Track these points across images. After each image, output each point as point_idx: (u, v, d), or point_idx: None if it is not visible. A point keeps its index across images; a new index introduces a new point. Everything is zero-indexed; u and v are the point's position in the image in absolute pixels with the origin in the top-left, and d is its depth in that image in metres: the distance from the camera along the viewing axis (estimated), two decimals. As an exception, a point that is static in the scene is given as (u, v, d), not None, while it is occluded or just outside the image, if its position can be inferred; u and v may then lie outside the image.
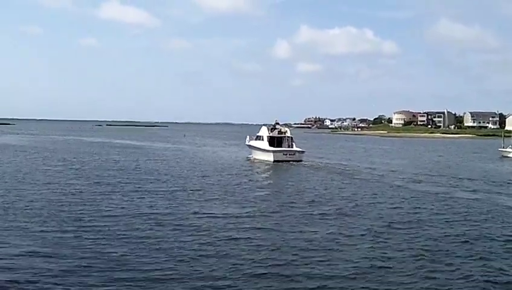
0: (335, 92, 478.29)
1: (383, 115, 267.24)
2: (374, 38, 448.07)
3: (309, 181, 35.98)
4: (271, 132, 52.90)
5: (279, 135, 52.69)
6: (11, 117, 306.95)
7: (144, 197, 26.41)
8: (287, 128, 55.50)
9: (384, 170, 45.09)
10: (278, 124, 55.38)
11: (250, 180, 36.44)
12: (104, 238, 17.24)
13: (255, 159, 53.63)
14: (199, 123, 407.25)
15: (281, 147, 51.67)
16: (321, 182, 35.59)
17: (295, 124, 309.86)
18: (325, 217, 22.15)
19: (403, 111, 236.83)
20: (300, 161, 50.11)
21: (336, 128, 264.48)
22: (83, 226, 18.96)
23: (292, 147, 52.26)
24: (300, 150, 52.49)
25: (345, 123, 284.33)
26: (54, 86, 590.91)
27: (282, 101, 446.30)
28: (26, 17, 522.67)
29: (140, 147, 76.68)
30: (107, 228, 18.74)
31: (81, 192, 27.79)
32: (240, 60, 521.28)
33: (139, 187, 30.31)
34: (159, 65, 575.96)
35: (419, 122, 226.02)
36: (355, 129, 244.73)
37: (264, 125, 56.22)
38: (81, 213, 21.56)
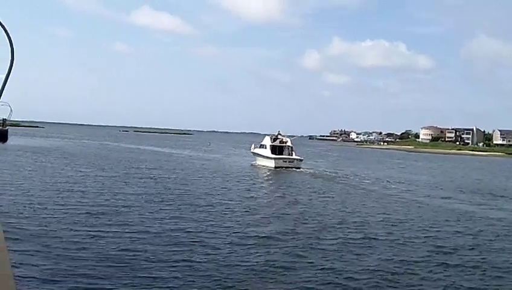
0: (363, 105, 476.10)
1: (410, 130, 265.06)
2: (406, 52, 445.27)
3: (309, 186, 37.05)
4: (273, 141, 59.10)
5: (281, 144, 58.79)
6: (40, 120, 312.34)
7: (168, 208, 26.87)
8: (288, 139, 60.43)
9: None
10: (280, 134, 60.50)
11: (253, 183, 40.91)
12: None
13: (258, 164, 59.91)
14: (225, 132, 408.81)
15: (282, 154, 57.54)
16: (319, 187, 36.36)
17: (321, 136, 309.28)
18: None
19: (431, 127, 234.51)
20: (299, 168, 56.02)
21: (361, 141, 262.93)
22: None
23: (292, 155, 58.15)
24: (299, 158, 58.26)
25: (371, 137, 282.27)
26: (83, 90, 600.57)
27: (309, 112, 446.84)
28: (58, 20, 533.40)
29: (169, 155, 77.47)
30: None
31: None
32: (269, 70, 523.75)
33: (175, 199, 30.77)
34: (188, 72, 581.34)
35: (447, 139, 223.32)
36: (382, 143, 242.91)
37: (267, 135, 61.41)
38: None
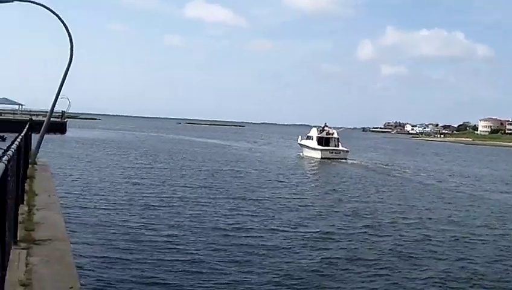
0: (418, 96, 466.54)
1: (467, 122, 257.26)
2: (464, 42, 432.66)
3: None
4: (320, 132, 59.53)
5: (327, 136, 59.15)
6: (97, 113, 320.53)
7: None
8: (334, 130, 60.79)
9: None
10: (326, 126, 60.81)
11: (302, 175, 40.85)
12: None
13: (305, 156, 60.59)
14: (276, 124, 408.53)
15: (328, 146, 57.94)
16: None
17: (374, 128, 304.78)
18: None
19: (490, 118, 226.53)
20: (345, 159, 56.46)
21: (417, 134, 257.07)
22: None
23: (338, 147, 58.57)
24: (345, 149, 58.68)
25: (426, 129, 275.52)
26: (137, 83, 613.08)
27: (362, 104, 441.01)
28: (113, 15, 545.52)
29: (222, 147, 77.80)
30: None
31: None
32: (321, 62, 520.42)
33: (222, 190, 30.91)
34: (239, 65, 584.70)
35: (507, 131, 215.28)
36: (438, 136, 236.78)
37: (322, 127, 61.04)
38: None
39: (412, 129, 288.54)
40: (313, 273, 14.44)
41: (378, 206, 27.11)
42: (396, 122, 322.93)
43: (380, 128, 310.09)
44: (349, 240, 18.58)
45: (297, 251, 16.80)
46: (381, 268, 15.23)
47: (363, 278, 14.28)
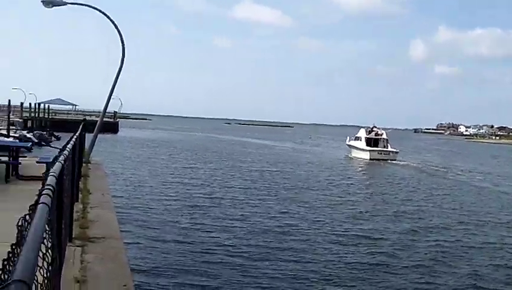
0: (472, 96, 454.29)
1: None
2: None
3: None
4: (368, 133, 59.27)
5: (376, 137, 58.74)
6: (147, 113, 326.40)
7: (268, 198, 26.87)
8: (383, 131, 60.22)
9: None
10: (375, 127, 60.59)
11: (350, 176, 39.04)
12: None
13: (353, 156, 60.16)
14: (325, 124, 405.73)
15: (377, 147, 57.67)
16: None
17: (426, 129, 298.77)
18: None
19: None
20: (394, 160, 55.94)
21: (471, 135, 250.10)
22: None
23: (387, 148, 58.06)
24: (394, 150, 58.18)
25: (481, 130, 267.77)
26: (186, 84, 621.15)
27: (414, 105, 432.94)
28: (164, 16, 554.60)
29: (271, 147, 77.72)
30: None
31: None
32: (371, 62, 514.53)
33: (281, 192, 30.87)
34: (288, 65, 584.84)
35: None
36: (493, 137, 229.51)
37: (379, 128, 61.07)
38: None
39: (466, 130, 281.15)
40: (357, 274, 14.28)
41: (429, 208, 26.47)
42: (449, 123, 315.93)
43: (433, 129, 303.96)
44: (396, 243, 18.16)
45: (342, 253, 16.57)
46: (430, 275, 14.79)
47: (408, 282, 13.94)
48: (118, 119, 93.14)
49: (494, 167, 60.47)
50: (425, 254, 17.00)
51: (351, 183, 36.08)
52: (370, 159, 55.80)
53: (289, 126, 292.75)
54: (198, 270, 13.82)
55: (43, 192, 3.19)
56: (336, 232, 19.50)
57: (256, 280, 13.47)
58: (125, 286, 6.50)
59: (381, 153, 56.83)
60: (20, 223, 2.33)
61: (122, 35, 20.76)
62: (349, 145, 63.98)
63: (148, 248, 15.52)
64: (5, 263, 1.78)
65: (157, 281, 12.78)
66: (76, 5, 21.06)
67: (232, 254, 15.66)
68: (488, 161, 74.06)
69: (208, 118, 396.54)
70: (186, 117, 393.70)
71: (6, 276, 1.70)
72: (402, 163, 54.53)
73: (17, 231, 2.26)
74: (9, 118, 46.08)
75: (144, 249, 15.30)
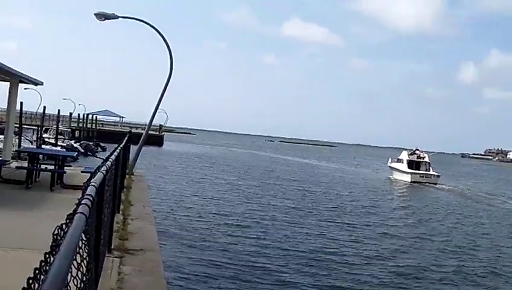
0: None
1: None
2: None
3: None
4: (410, 156, 58.92)
5: (418, 160, 58.49)
6: (192, 127, 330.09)
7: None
8: (425, 154, 59.84)
9: None
10: (417, 149, 60.14)
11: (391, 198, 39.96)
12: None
13: (394, 179, 60.17)
14: (370, 146, 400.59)
15: (419, 170, 57.35)
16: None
17: (474, 154, 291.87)
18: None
19: None
20: (436, 183, 55.06)
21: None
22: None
23: (429, 171, 57.39)
24: (436, 174, 57.29)
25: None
26: (232, 99, 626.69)
27: (462, 129, 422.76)
28: (212, 32, 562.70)
29: (314, 167, 77.38)
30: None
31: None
32: (419, 84, 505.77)
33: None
34: (333, 84, 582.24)
35: None
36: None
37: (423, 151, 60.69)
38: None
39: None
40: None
41: (473, 239, 25.44)
42: (498, 149, 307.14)
43: (481, 154, 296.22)
44: (440, 280, 17.35)
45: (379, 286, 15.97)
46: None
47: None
48: (163, 133, 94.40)
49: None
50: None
51: (389, 207, 35.37)
52: (411, 181, 55.53)
53: (333, 146, 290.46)
54: (233, 286, 13.74)
55: (82, 201, 3.19)
56: (371, 262, 18.97)
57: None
58: (160, 299, 6.49)
59: (422, 177, 56.38)
60: (56, 232, 2.31)
61: (171, 49, 21.07)
62: (390, 167, 63.78)
63: (184, 263, 15.55)
64: (37, 272, 1.76)
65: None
66: (128, 19, 21.49)
67: (268, 273, 15.51)
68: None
69: (251, 135, 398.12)
70: (230, 133, 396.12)
71: (37, 285, 1.67)
72: (447, 188, 53.54)
73: (52, 240, 2.24)
74: (57, 127, 47.42)
75: (181, 264, 15.33)
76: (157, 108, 22.83)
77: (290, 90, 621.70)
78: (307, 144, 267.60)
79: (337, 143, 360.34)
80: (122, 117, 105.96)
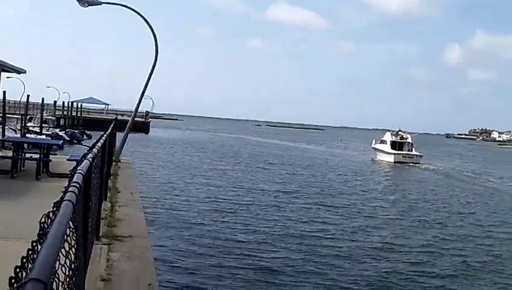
0: (508, 101, 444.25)
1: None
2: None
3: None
4: (394, 137, 60.30)
5: (401, 140, 59.86)
6: (177, 113, 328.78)
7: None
8: (408, 135, 61.20)
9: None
10: (400, 130, 61.40)
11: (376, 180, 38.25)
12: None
13: (378, 159, 61.48)
14: (357, 128, 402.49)
15: (402, 150, 58.59)
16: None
17: (458, 134, 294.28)
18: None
19: None
20: (418, 163, 56.71)
21: (504, 141, 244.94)
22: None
23: (412, 151, 58.78)
24: (418, 154, 59.08)
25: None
26: (217, 84, 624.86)
27: (447, 109, 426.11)
28: (197, 17, 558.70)
29: (302, 150, 77.46)
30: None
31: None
32: (405, 65, 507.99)
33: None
34: (320, 68, 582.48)
35: None
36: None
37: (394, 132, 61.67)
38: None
39: (499, 136, 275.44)
40: (378, 283, 14.09)
41: (452, 215, 26.22)
42: (482, 129, 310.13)
43: (465, 134, 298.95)
44: (420, 252, 17.90)
45: (364, 260, 16.38)
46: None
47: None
48: (149, 119, 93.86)
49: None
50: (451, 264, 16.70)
51: (373, 188, 35.81)
52: (394, 162, 56.91)
53: (320, 129, 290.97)
54: (221, 274, 13.82)
55: (69, 189, 3.18)
56: (356, 238, 19.36)
57: (275, 283, 13.40)
58: (150, 285, 6.50)
59: (405, 157, 57.74)
60: (42, 220, 2.30)
61: (156, 35, 20.89)
62: (374, 149, 65.01)
63: (173, 249, 15.60)
64: (24, 260, 1.76)
65: (182, 281, 12.81)
66: (111, 5, 21.24)
67: (257, 257, 15.61)
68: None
69: (237, 119, 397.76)
70: (217, 118, 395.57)
71: (24, 274, 1.67)
72: (425, 166, 54.93)
73: (39, 228, 2.23)
74: (42, 116, 46.95)
75: (169, 249, 15.37)
76: (142, 95, 22.68)
77: (277, 74, 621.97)
78: (295, 127, 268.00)
79: (325, 126, 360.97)
80: (108, 104, 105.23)
